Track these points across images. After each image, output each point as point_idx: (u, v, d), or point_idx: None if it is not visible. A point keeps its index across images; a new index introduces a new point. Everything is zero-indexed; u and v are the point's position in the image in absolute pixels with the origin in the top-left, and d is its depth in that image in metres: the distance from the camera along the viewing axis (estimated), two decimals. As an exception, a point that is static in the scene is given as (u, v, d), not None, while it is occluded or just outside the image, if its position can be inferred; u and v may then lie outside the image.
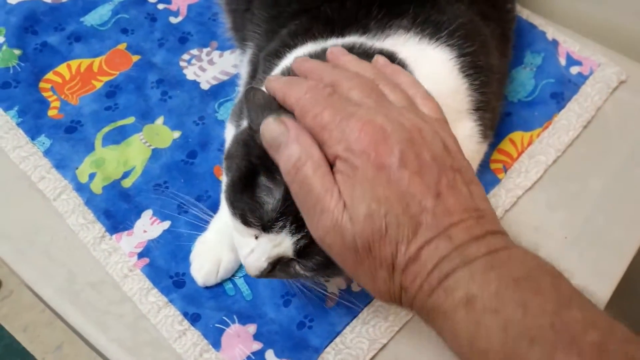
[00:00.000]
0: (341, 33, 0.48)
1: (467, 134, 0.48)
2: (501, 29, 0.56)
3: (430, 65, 0.46)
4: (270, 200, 0.38)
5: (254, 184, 0.39)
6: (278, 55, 0.49)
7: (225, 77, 0.62)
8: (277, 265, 0.41)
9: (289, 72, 0.44)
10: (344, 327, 0.47)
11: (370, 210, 0.33)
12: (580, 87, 0.61)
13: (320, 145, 0.35)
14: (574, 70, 0.62)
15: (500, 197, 0.54)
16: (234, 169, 0.40)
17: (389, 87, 0.38)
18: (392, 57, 0.44)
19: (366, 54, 0.44)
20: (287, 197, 0.37)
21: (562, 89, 0.60)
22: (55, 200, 0.53)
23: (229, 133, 0.53)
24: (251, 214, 0.39)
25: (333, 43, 0.46)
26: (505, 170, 0.56)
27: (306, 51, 0.47)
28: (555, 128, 0.58)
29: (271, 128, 0.36)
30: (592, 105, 0.60)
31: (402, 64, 0.44)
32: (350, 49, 0.45)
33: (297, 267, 0.41)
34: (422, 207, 0.33)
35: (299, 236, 0.38)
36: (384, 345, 0.47)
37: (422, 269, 0.33)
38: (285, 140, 0.35)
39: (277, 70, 0.47)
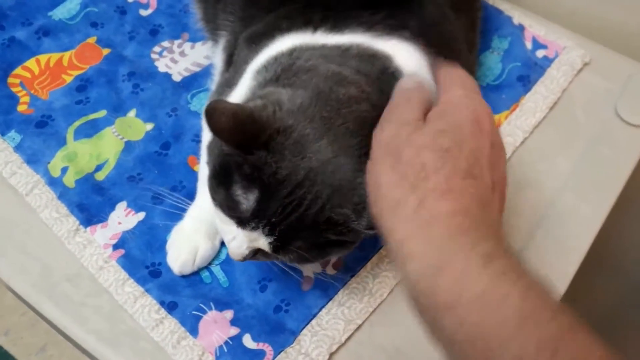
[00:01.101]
0: (341, 27, 0.47)
1: None
2: (470, 19, 0.57)
3: (422, 74, 0.47)
4: (244, 201, 0.39)
5: (231, 179, 0.40)
6: (267, 36, 0.48)
7: (197, 69, 0.62)
8: (259, 251, 0.42)
9: (287, 53, 0.45)
10: (320, 310, 0.48)
11: (443, 129, 0.37)
12: (546, 69, 0.62)
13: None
14: (540, 53, 0.63)
15: (470, 179, 0.55)
16: (212, 161, 0.41)
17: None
18: (389, 61, 0.45)
19: (363, 56, 0.45)
20: (261, 201, 0.39)
21: (528, 72, 0.62)
22: (28, 195, 0.53)
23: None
24: (227, 209, 0.40)
25: (332, 39, 0.46)
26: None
27: (302, 40, 0.46)
28: (523, 110, 0.60)
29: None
30: (558, 87, 0.61)
31: (397, 70, 0.45)
32: (348, 48, 0.45)
33: (272, 255, 0.42)
34: (482, 175, 0.36)
35: (272, 239, 0.40)
36: (359, 326, 0.48)
37: (454, 200, 0.34)
38: (411, 83, 0.42)
39: (266, 52, 0.47)
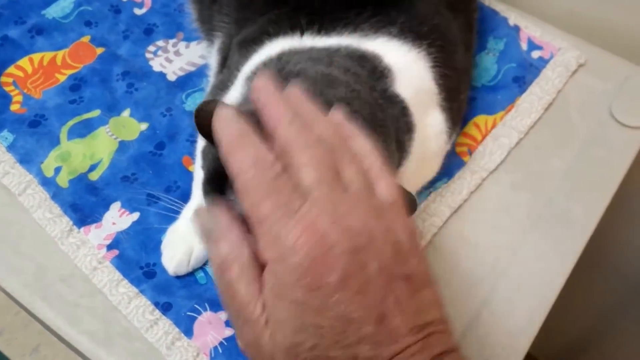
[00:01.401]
0: (328, 30, 0.47)
1: (435, 130, 0.50)
2: (466, 19, 0.57)
3: (412, 71, 0.47)
4: (239, 206, 0.39)
5: (225, 184, 0.39)
6: (255, 42, 0.48)
7: (192, 68, 0.62)
8: None
9: (276, 58, 0.45)
10: (315, 311, 0.48)
11: (294, 342, 0.28)
12: (541, 70, 0.62)
13: (255, 240, 0.30)
14: (535, 54, 0.64)
15: (466, 179, 0.55)
16: (206, 166, 0.41)
17: (346, 159, 0.31)
18: (378, 60, 0.45)
19: (352, 57, 0.45)
20: None
21: (524, 73, 0.62)
22: (21, 195, 0.52)
23: None
24: None
25: (319, 42, 0.46)
26: (470, 153, 0.57)
27: (291, 44, 0.46)
28: (518, 111, 0.60)
29: (202, 218, 0.32)
30: (553, 88, 0.61)
31: (387, 68, 0.45)
32: (336, 50, 0.45)
33: None
34: (361, 335, 0.28)
35: None
36: (355, 327, 0.48)
37: None
38: (215, 236, 0.31)
39: (255, 58, 0.47)
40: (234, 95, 0.46)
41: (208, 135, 0.34)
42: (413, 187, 0.52)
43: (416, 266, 0.31)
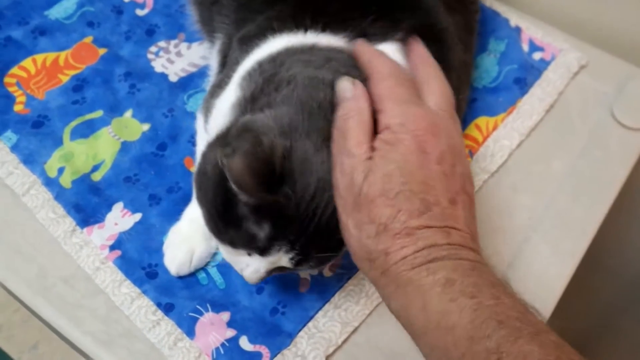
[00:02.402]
0: (334, 29, 0.47)
1: None
2: (465, 20, 0.57)
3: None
4: (260, 231, 0.39)
5: (236, 214, 0.39)
6: (258, 37, 0.48)
7: (193, 69, 0.62)
8: (276, 268, 0.42)
9: (271, 59, 0.45)
10: (317, 312, 0.48)
11: (390, 173, 0.37)
12: (542, 72, 0.62)
13: (377, 114, 0.39)
14: (537, 56, 0.64)
15: (467, 181, 0.56)
16: (209, 201, 0.40)
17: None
18: None
19: (350, 61, 0.44)
20: (277, 225, 0.39)
21: (525, 75, 0.62)
22: (24, 195, 0.52)
23: (200, 123, 0.53)
24: (242, 244, 0.40)
25: (323, 39, 0.46)
26: (472, 155, 0.57)
27: (292, 41, 0.46)
28: (519, 113, 0.60)
29: (343, 84, 0.41)
30: (554, 90, 0.62)
31: None
32: (339, 52, 0.45)
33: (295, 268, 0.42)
34: (437, 200, 0.37)
35: (293, 254, 0.40)
36: (356, 329, 0.48)
37: (412, 244, 0.36)
38: (348, 96, 0.40)
39: (257, 54, 0.47)
40: (228, 97, 0.45)
41: (246, 191, 0.37)
42: None
43: (473, 191, 0.41)
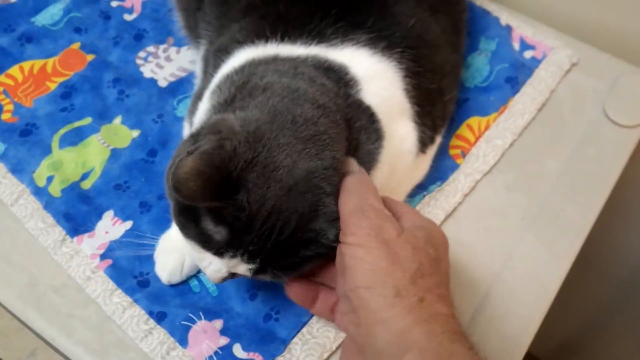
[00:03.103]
0: (292, 37, 0.46)
1: (406, 141, 0.49)
2: (452, 20, 0.56)
3: (379, 82, 0.47)
4: (217, 235, 0.39)
5: (198, 214, 0.39)
6: (227, 51, 0.48)
7: (183, 74, 0.61)
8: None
9: (239, 70, 0.44)
10: (310, 318, 0.48)
11: (416, 263, 0.38)
12: (534, 70, 0.62)
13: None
14: (528, 54, 0.63)
15: (460, 182, 0.55)
16: (174, 202, 0.40)
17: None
18: (344, 71, 0.45)
19: (318, 67, 0.44)
20: (234, 233, 0.38)
21: (516, 74, 0.61)
22: (13, 205, 0.52)
23: (186, 132, 0.53)
24: (200, 241, 0.40)
25: (283, 49, 0.46)
26: (464, 155, 0.57)
27: (255, 54, 0.46)
28: (511, 112, 0.60)
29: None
30: (546, 88, 0.61)
31: (354, 79, 0.45)
32: (303, 60, 0.44)
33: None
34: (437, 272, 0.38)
35: (251, 265, 0.40)
36: (350, 333, 0.48)
37: None
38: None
39: (225, 68, 0.47)
40: (202, 110, 0.45)
41: (192, 199, 0.36)
42: (399, 192, 0.52)
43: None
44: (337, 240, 0.39)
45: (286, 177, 0.38)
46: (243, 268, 0.40)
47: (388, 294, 0.35)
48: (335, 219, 0.39)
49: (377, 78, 0.46)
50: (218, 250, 0.39)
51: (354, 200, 0.39)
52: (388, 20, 0.48)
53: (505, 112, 0.60)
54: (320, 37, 0.46)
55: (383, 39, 0.47)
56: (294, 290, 0.43)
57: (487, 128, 0.59)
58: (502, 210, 0.55)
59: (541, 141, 0.59)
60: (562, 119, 0.60)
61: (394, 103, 0.48)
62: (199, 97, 0.48)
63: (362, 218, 0.38)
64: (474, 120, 0.59)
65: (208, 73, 0.50)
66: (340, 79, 0.44)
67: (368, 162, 0.44)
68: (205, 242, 0.39)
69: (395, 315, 0.35)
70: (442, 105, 0.53)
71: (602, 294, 0.92)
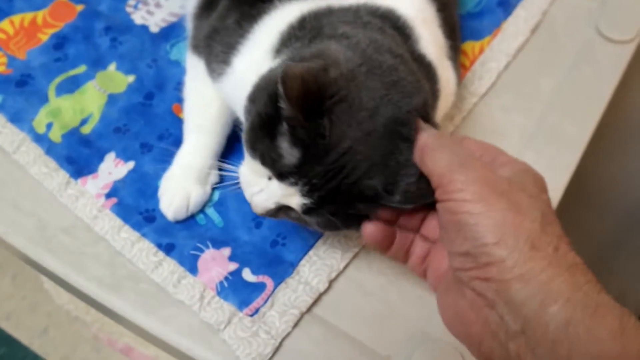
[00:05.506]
0: None
1: (451, 84, 0.50)
2: None
3: (426, 26, 0.47)
4: (288, 156, 0.38)
5: (276, 130, 0.39)
6: (263, 1, 0.47)
7: (173, 19, 0.61)
8: (282, 209, 0.41)
9: (293, 27, 0.44)
10: (317, 240, 0.49)
11: None
12: (525, -7, 0.62)
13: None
14: (519, -23, 0.63)
15: (456, 106, 0.55)
16: (254, 114, 0.40)
17: None
18: (396, 16, 0.45)
19: (374, 16, 0.44)
20: (305, 160, 0.38)
21: (508, -3, 0.61)
22: (15, 152, 0.52)
23: (194, 63, 0.52)
24: (269, 158, 0.39)
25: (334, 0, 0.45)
26: (460, 80, 0.57)
27: (304, 7, 0.45)
28: (505, 35, 0.60)
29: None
30: (538, 9, 0.61)
31: (409, 27, 0.45)
32: (356, 10, 0.44)
33: (301, 216, 0.41)
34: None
35: (308, 201, 0.39)
36: (356, 254, 0.49)
37: None
38: None
39: (268, 23, 0.46)
40: (257, 68, 0.44)
41: (290, 99, 0.36)
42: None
43: None
44: (403, 202, 0.38)
45: (367, 120, 0.38)
46: (297, 200, 0.39)
47: (523, 247, 0.33)
48: (410, 174, 0.38)
49: (423, 21, 0.46)
50: (282, 172, 0.39)
51: (447, 155, 0.36)
52: None
53: (498, 35, 0.60)
54: None
55: None
56: (369, 231, 0.41)
57: (481, 52, 0.59)
58: (501, 130, 0.55)
59: (536, 62, 0.59)
60: (555, 39, 0.60)
61: (439, 45, 0.48)
62: (230, 47, 0.48)
63: (465, 172, 0.35)
64: (468, 45, 0.59)
65: (231, 22, 0.48)
66: (398, 28, 0.44)
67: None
68: (274, 160, 0.39)
69: (534, 268, 0.32)
70: (459, 37, 0.53)
71: (602, 233, 0.93)
